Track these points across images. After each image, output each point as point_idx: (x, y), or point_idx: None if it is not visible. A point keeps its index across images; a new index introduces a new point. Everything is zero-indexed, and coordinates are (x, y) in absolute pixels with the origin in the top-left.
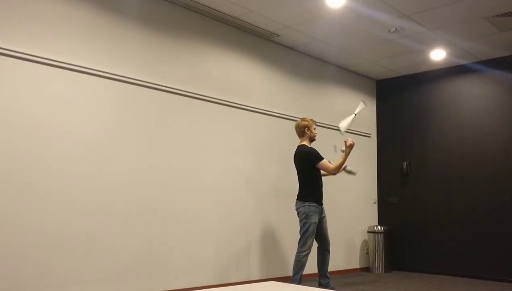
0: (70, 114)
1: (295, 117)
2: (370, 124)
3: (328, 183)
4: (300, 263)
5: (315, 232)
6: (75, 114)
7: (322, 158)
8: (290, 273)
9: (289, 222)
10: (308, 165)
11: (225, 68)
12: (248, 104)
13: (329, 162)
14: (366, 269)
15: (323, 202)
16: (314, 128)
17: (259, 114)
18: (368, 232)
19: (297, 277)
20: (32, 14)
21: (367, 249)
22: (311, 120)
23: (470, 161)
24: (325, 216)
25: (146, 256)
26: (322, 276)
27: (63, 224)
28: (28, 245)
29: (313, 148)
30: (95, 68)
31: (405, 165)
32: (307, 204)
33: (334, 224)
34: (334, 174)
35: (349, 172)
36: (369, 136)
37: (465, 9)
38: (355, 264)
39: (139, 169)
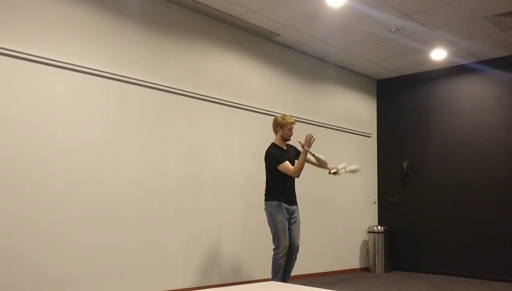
0: (70, 114)
1: (295, 117)
2: (370, 124)
3: (328, 182)
4: (277, 265)
5: (286, 230)
6: (75, 114)
7: (282, 161)
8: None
9: None
10: (268, 166)
11: (225, 68)
12: (248, 104)
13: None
14: (366, 269)
15: (295, 202)
16: (290, 129)
17: (259, 114)
18: (368, 232)
19: (275, 280)
20: (32, 14)
21: (367, 249)
22: (287, 120)
23: (470, 160)
24: (296, 218)
25: (146, 256)
26: (283, 279)
27: (63, 224)
28: (28, 245)
29: (275, 149)
30: (95, 68)
31: (405, 165)
32: (270, 203)
33: (334, 224)
34: (297, 177)
35: (318, 159)
36: (369, 136)
37: (466, 8)
38: (355, 264)
39: (139, 169)
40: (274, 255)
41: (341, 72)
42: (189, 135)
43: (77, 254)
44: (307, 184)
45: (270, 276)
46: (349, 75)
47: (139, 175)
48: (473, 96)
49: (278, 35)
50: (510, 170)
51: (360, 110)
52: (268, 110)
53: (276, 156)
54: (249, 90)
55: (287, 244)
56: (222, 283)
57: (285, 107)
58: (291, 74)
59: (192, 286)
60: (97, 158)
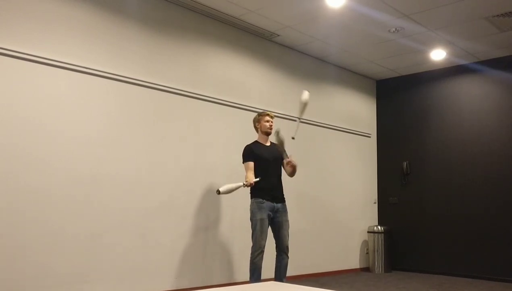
0: (70, 114)
1: (295, 117)
2: (370, 124)
3: (328, 182)
4: (254, 265)
5: (264, 230)
6: (75, 114)
7: (248, 160)
8: (290, 273)
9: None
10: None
11: (225, 68)
12: (248, 104)
13: (251, 170)
14: (366, 269)
15: (281, 199)
16: (267, 121)
17: None
18: (368, 232)
19: (253, 281)
20: (32, 14)
21: (367, 249)
22: (262, 113)
23: (470, 160)
24: (282, 215)
25: (146, 256)
26: (277, 280)
27: (63, 224)
28: (29, 245)
29: (249, 146)
30: (95, 68)
31: (405, 165)
32: (252, 200)
33: (335, 224)
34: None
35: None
36: (369, 136)
37: (465, 9)
38: (355, 264)
39: (139, 169)
40: (251, 254)
41: (340, 73)
42: (189, 135)
43: (77, 254)
44: (307, 184)
45: (271, 276)
46: (349, 76)
47: (139, 175)
48: (472, 96)
49: (278, 35)
50: (510, 170)
51: (360, 110)
52: (268, 111)
53: (246, 152)
54: (249, 90)
55: (264, 244)
56: (222, 283)
57: (285, 107)
58: (291, 74)
59: (192, 286)
60: (97, 158)
